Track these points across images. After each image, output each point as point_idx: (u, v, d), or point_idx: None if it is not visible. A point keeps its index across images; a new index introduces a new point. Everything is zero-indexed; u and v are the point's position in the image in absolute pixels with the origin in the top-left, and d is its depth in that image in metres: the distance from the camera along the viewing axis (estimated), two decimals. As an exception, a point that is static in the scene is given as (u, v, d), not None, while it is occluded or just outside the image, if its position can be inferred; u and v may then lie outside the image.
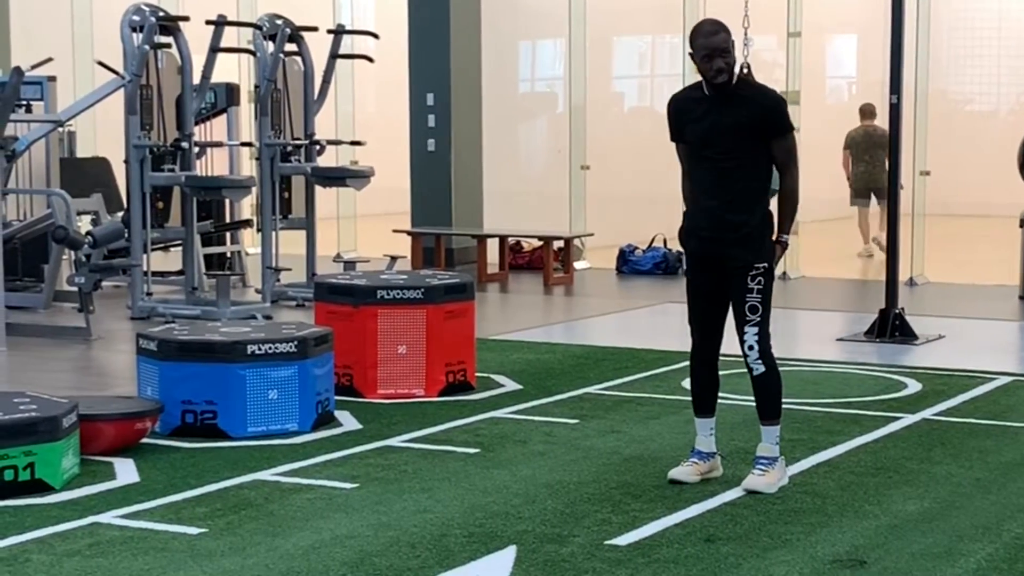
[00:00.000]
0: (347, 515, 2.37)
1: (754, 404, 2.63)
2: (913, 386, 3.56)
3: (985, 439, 2.96)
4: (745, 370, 2.60)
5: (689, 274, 2.80)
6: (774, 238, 2.64)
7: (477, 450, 2.82)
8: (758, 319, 2.58)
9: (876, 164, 6.75)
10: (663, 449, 2.82)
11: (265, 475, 2.62)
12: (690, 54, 2.79)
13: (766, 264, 2.60)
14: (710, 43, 2.73)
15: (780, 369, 2.60)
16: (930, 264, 6.03)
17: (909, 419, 3.14)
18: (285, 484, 2.57)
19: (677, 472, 2.60)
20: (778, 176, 2.69)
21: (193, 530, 2.26)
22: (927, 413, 3.22)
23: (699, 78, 2.73)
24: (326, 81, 5.71)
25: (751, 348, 2.57)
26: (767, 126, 2.67)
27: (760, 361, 2.57)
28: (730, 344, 2.64)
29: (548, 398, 3.38)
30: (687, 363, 2.78)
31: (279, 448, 2.81)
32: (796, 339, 4.52)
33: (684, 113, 2.72)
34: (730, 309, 2.63)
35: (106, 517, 2.33)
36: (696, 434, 2.65)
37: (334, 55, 5.73)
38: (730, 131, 2.65)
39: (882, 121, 6.21)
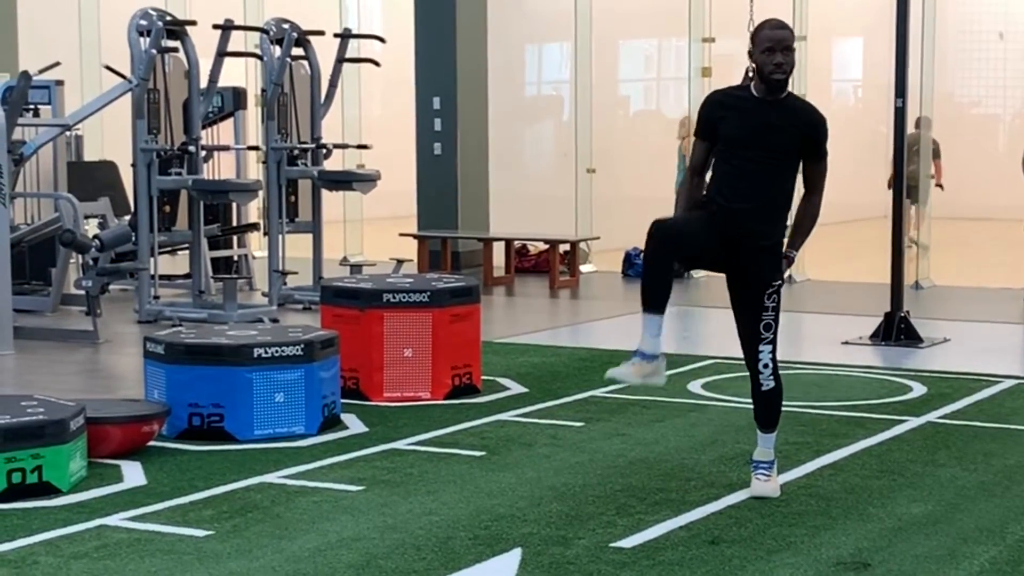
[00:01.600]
0: (353, 517, 2.38)
1: (750, 404, 2.61)
2: (918, 389, 3.56)
3: (990, 442, 2.96)
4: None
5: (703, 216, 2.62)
6: (784, 251, 2.59)
7: (483, 453, 2.83)
8: (771, 336, 2.54)
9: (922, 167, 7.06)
10: (668, 452, 2.82)
11: (271, 478, 2.63)
12: (749, 52, 2.69)
13: (780, 281, 2.57)
14: (775, 35, 2.65)
15: (785, 372, 2.58)
16: (935, 267, 6.04)
17: (914, 422, 3.14)
18: (291, 487, 2.58)
19: (617, 372, 2.49)
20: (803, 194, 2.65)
21: (200, 532, 2.27)
22: (932, 416, 3.22)
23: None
24: (332, 85, 5.73)
25: (765, 367, 2.53)
26: (812, 143, 2.60)
27: (772, 378, 2.54)
28: (728, 348, 2.64)
29: (553, 401, 3.39)
30: (692, 366, 2.78)
31: (285, 451, 2.82)
32: (801, 342, 4.52)
33: (728, 108, 2.63)
34: (738, 320, 2.57)
35: (113, 520, 2.34)
36: (643, 333, 2.47)
37: (340, 59, 5.75)
38: (779, 135, 2.58)
39: (887, 125, 6.22)
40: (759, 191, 2.54)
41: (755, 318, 2.53)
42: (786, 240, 2.63)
